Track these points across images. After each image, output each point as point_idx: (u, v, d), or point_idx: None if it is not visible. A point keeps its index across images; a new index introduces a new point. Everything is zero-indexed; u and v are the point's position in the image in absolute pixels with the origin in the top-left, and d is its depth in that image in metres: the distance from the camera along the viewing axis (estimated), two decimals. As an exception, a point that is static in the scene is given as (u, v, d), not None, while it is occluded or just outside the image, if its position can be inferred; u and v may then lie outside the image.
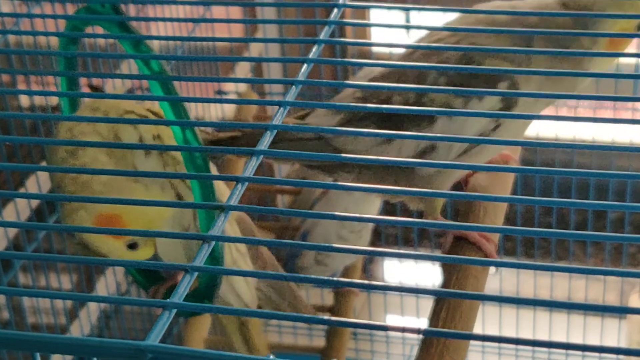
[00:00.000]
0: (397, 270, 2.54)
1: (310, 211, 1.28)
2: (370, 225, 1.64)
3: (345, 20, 1.42)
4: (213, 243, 0.62)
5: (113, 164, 0.98)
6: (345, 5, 0.85)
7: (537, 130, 2.13)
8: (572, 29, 1.06)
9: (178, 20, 1.41)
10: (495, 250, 1.15)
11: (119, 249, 0.97)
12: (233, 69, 2.19)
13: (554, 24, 1.08)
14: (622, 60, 1.63)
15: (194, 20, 1.85)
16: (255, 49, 2.23)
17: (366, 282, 0.60)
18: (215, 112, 1.98)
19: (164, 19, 1.46)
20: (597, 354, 1.88)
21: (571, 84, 1.12)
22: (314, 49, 0.78)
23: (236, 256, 1.14)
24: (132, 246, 0.98)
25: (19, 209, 1.53)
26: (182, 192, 1.00)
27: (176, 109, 0.87)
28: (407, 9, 2.08)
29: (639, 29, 1.09)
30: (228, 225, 1.09)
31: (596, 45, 1.09)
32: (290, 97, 0.73)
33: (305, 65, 0.76)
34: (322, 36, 0.80)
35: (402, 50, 1.20)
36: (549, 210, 2.37)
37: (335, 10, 0.84)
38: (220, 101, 1.31)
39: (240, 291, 1.16)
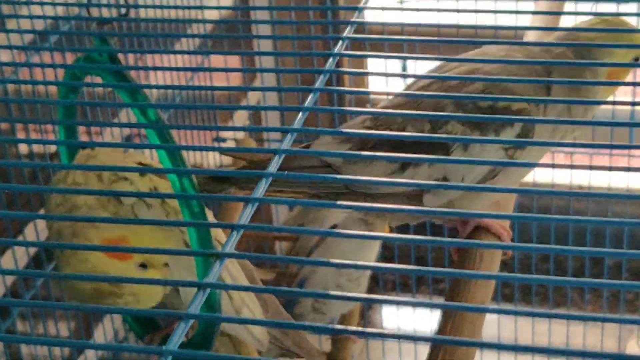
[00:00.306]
0: (394, 316, 2.53)
1: (306, 258, 1.28)
2: (368, 273, 1.64)
3: (340, 68, 1.43)
4: (208, 290, 0.62)
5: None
6: (340, 54, 0.86)
7: (534, 176, 2.14)
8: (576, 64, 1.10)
9: (177, 69, 1.42)
10: (510, 238, 1.20)
11: (130, 269, 0.96)
12: (231, 116, 2.20)
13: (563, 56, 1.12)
14: (618, 107, 1.65)
15: (192, 69, 1.86)
16: (253, 97, 2.25)
17: (361, 329, 0.60)
18: (214, 159, 1.99)
19: (162, 68, 1.47)
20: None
21: (582, 112, 1.15)
22: (310, 97, 0.79)
23: (244, 294, 1.14)
24: (143, 266, 0.97)
25: (17, 257, 1.54)
26: (188, 240, 1.00)
27: (173, 157, 0.87)
28: (404, 58, 2.09)
29: (635, 60, 1.11)
30: (231, 265, 1.10)
31: (597, 76, 1.11)
32: (285, 145, 0.73)
33: (300, 113, 0.77)
34: (317, 84, 0.81)
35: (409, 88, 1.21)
36: (546, 256, 2.37)
37: (331, 59, 0.85)
38: (218, 149, 1.32)
39: (252, 326, 1.16)
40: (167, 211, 1.01)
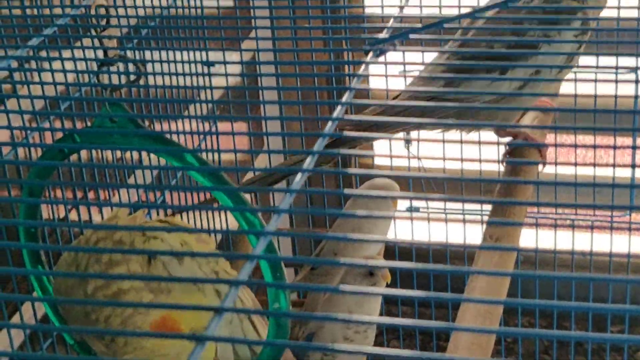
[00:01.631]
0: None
1: (311, 313, 1.29)
2: (375, 324, 1.62)
3: (338, 132, 1.48)
4: (206, 343, 0.62)
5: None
6: (339, 119, 0.87)
7: (537, 242, 2.15)
8: None
9: (184, 133, 1.44)
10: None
11: (184, 345, 0.98)
12: (238, 180, 2.23)
13: None
14: (618, 172, 1.67)
15: (203, 133, 1.89)
16: (262, 162, 2.28)
17: None
18: (220, 222, 2.01)
19: (170, 132, 1.49)
20: None
21: None
22: (308, 159, 0.81)
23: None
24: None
25: (25, 319, 1.54)
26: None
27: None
28: (404, 123, 2.12)
29: None
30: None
31: None
32: (284, 205, 0.75)
33: (299, 174, 0.79)
34: (316, 147, 0.83)
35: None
36: (549, 323, 2.37)
37: (330, 123, 0.87)
38: (222, 209, 1.35)
39: None
40: (198, 262, 1.04)
